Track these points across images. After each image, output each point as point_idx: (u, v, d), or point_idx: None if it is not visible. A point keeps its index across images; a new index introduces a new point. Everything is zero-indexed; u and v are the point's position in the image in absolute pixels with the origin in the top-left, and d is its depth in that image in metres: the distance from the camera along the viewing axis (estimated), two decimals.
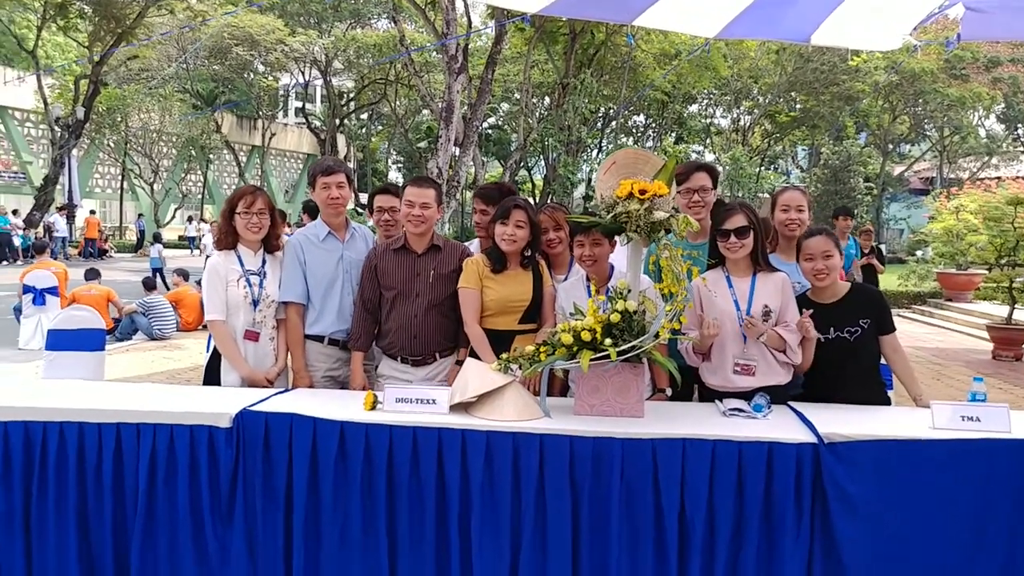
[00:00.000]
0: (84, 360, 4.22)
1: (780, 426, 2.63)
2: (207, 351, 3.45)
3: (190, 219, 30.36)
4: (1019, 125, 32.03)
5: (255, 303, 3.33)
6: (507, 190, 3.57)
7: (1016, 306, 9.37)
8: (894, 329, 3.06)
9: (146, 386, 3.67)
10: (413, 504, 2.60)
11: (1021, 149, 34.01)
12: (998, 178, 21.51)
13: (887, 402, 3.07)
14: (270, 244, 3.45)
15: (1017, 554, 2.41)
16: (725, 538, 2.49)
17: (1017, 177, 20.99)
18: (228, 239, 3.38)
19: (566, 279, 3.34)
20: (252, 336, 3.33)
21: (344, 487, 2.62)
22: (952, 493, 2.42)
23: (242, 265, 3.35)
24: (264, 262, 3.41)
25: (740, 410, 2.77)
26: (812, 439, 2.49)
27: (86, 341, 4.33)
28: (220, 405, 2.74)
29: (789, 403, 2.91)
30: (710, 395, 3.03)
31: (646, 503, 2.51)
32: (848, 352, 2.98)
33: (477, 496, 2.55)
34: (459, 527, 2.59)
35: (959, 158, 33.10)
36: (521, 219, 3.14)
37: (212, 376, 3.35)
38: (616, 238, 2.97)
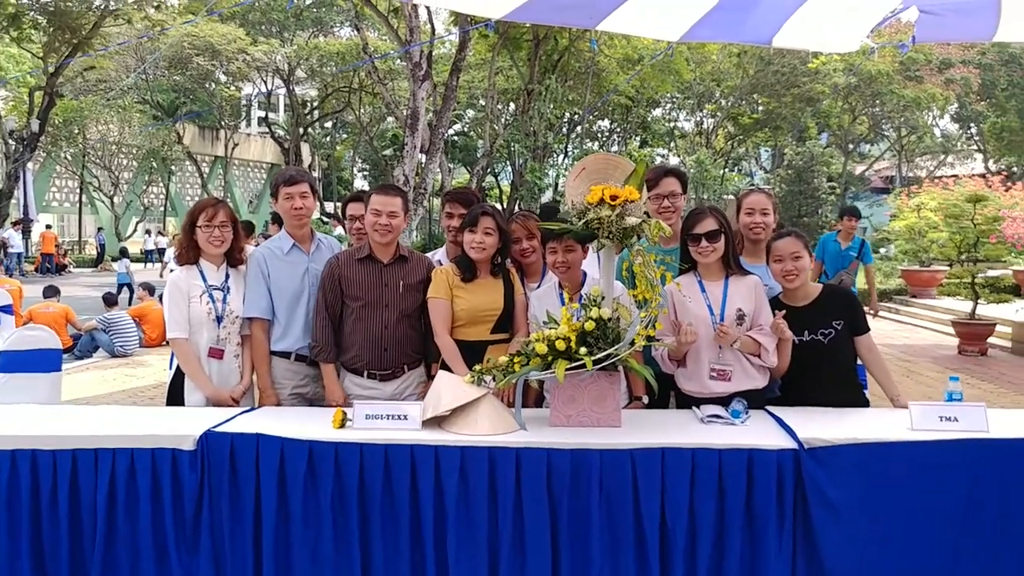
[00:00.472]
0: (39, 382, 4.03)
1: (759, 432, 2.60)
2: (171, 368, 3.33)
3: (148, 232, 29.76)
4: (972, 124, 32.96)
5: (219, 319, 3.22)
6: (473, 196, 3.52)
7: (979, 301, 9.55)
8: (868, 329, 3.06)
9: (105, 408, 3.54)
10: (387, 524, 2.52)
11: (975, 148, 35.02)
12: (955, 176, 22.06)
13: (865, 403, 3.06)
14: (233, 258, 3.33)
15: (1001, 554, 2.41)
16: (707, 547, 2.45)
17: (973, 175, 21.57)
18: (190, 253, 3.26)
19: (539, 287, 3.28)
20: (216, 354, 3.21)
21: (315, 508, 2.52)
22: (933, 494, 2.41)
23: (205, 280, 3.23)
24: (227, 277, 3.29)
25: (718, 416, 2.74)
26: (792, 444, 2.47)
27: (41, 362, 4.14)
28: (183, 427, 2.63)
29: (767, 407, 2.89)
30: (687, 401, 3.00)
31: (626, 514, 2.47)
32: (823, 354, 2.97)
33: (452, 513, 2.48)
34: (435, 546, 2.51)
35: (916, 157, 33.97)
36: (489, 226, 3.08)
37: (175, 396, 3.22)
38: (588, 244, 2.93)
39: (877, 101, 29.10)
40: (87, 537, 2.54)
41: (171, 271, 4.23)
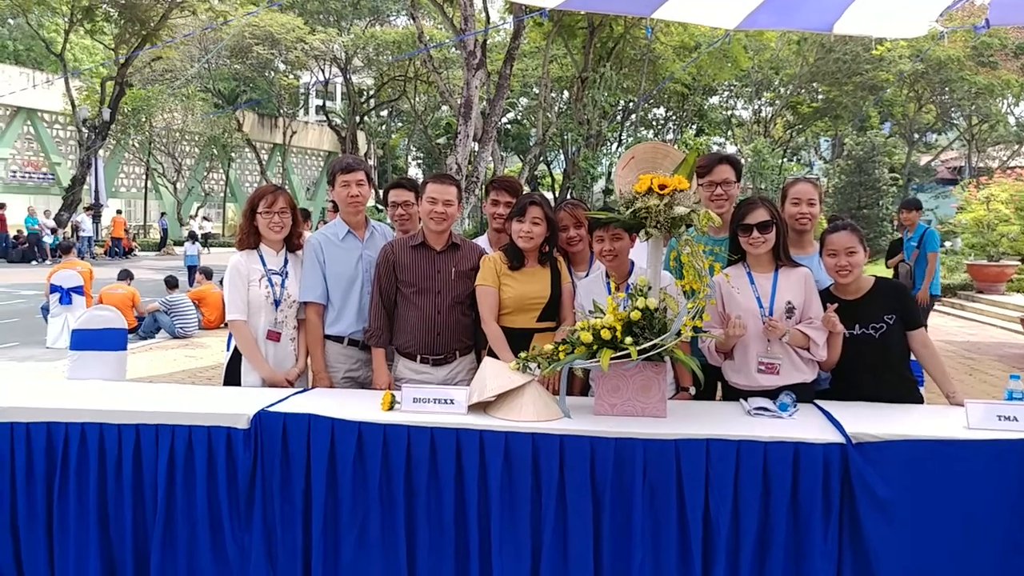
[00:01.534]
0: (107, 360, 4.24)
1: (806, 425, 2.57)
2: (228, 350, 3.45)
3: (192, 216, 30.61)
4: None
5: (277, 303, 3.32)
6: (518, 185, 3.57)
7: None
8: (922, 324, 2.97)
9: (165, 386, 3.69)
10: (432, 505, 2.58)
11: None
12: None
13: (919, 400, 2.98)
14: (292, 243, 3.43)
15: None
16: (751, 541, 2.43)
17: None
18: (250, 239, 3.36)
19: (587, 276, 3.29)
20: (274, 336, 3.32)
21: (363, 488, 2.60)
22: (988, 496, 2.34)
23: (264, 265, 3.33)
24: (286, 262, 3.39)
25: (765, 409, 2.71)
26: (840, 439, 2.43)
27: (109, 341, 4.35)
28: (238, 406, 2.73)
29: (816, 401, 2.84)
30: (734, 394, 2.97)
31: (669, 505, 2.46)
32: (874, 348, 2.90)
33: (496, 497, 2.52)
34: (479, 529, 2.56)
35: (988, 147, 32.42)
36: (537, 216, 3.10)
37: (232, 376, 3.34)
38: (636, 234, 2.92)
39: (946, 88, 27.88)
40: (148, 508, 2.67)
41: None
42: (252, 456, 2.64)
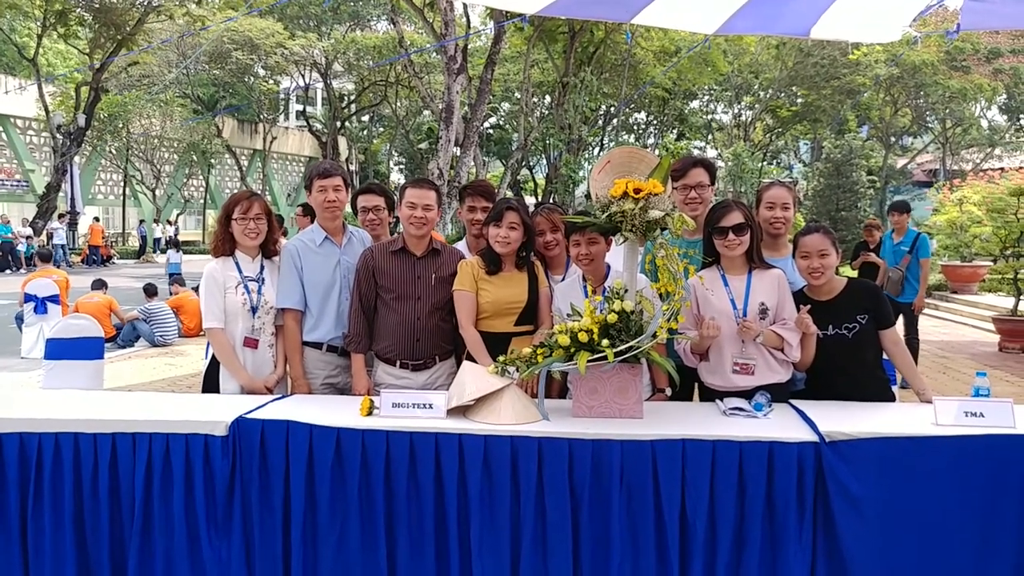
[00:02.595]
0: (83, 369, 4.21)
1: (781, 425, 2.60)
2: (206, 358, 3.44)
3: (156, 221, 30.28)
4: (1021, 116, 31.92)
5: (254, 310, 3.31)
6: (492, 190, 3.60)
7: (1022, 297, 9.30)
8: (893, 323, 3.03)
9: (142, 395, 3.67)
10: (411, 510, 2.58)
11: None
12: (1001, 169, 21.39)
13: (891, 398, 3.03)
14: (268, 250, 3.42)
15: None
16: (727, 539, 2.46)
17: (1021, 168, 20.88)
18: (225, 245, 3.35)
19: (563, 280, 3.31)
20: (251, 343, 3.31)
21: (341, 494, 2.60)
22: (957, 491, 2.39)
23: (240, 272, 3.32)
24: (262, 268, 3.38)
25: (741, 409, 2.74)
26: (813, 437, 2.47)
27: (85, 350, 4.32)
28: (216, 413, 2.72)
29: (790, 401, 2.88)
30: (710, 394, 3.01)
31: (646, 505, 2.49)
32: (848, 349, 2.95)
33: (476, 501, 2.53)
34: (458, 532, 2.56)
35: (962, 150, 33.00)
36: (514, 221, 3.12)
37: (211, 384, 3.32)
38: (612, 237, 2.95)
39: (921, 92, 28.40)
40: (126, 517, 2.65)
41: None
42: (230, 463, 2.63)
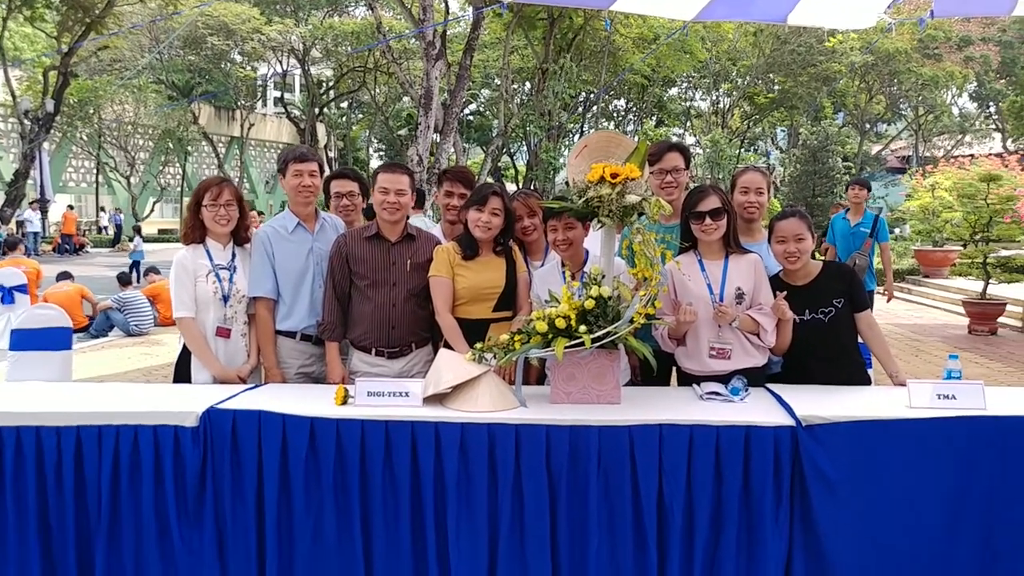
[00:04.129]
0: (50, 360, 4.10)
1: (757, 409, 2.61)
2: (180, 347, 3.37)
3: (102, 209, 29.31)
4: (991, 103, 32.39)
5: (225, 298, 3.24)
6: (472, 175, 3.54)
7: (990, 281, 9.46)
8: (868, 306, 3.05)
9: (111, 386, 3.58)
10: (387, 500, 2.55)
11: (993, 127, 34.42)
12: (971, 155, 21.72)
13: (867, 381, 3.05)
14: (240, 237, 3.35)
15: (995, 530, 2.41)
16: (704, 523, 2.46)
17: (990, 154, 21.22)
18: (195, 233, 3.28)
19: (543, 266, 3.29)
20: (223, 333, 3.24)
21: (316, 484, 2.56)
22: (930, 472, 2.41)
23: (211, 259, 3.25)
24: (234, 256, 3.31)
25: (717, 394, 2.74)
26: (790, 421, 2.47)
27: (52, 340, 4.20)
28: (186, 404, 2.66)
29: (767, 385, 2.89)
30: (688, 379, 3.01)
31: (624, 490, 2.48)
32: (824, 333, 2.96)
33: (453, 489, 2.51)
34: (435, 521, 2.54)
35: (934, 136, 33.50)
36: (497, 207, 3.08)
37: (182, 374, 3.25)
38: (589, 222, 2.93)
39: (894, 80, 28.71)
40: (92, 513, 2.58)
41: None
42: (201, 454, 2.58)
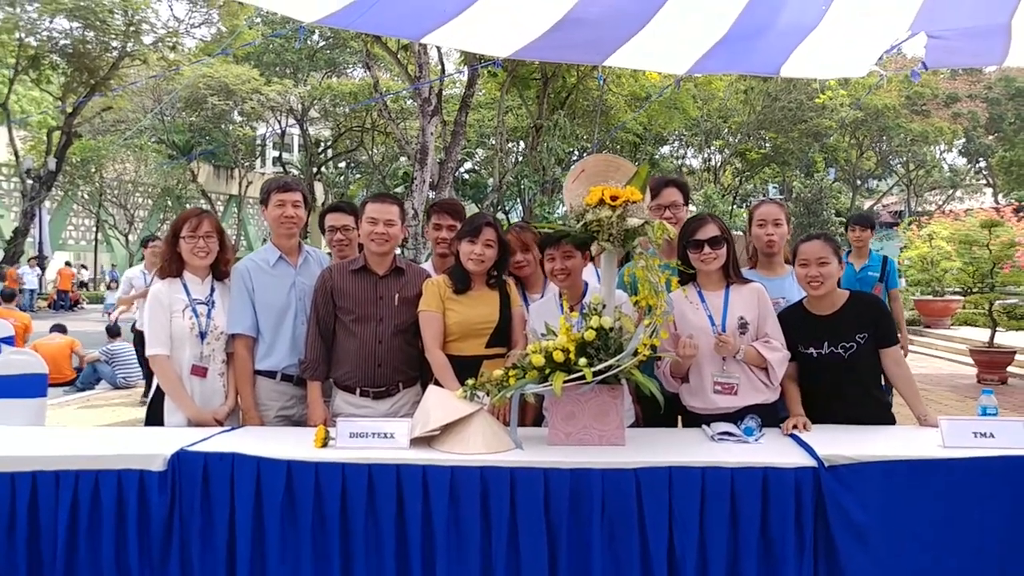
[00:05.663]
0: (22, 407, 3.88)
1: (775, 449, 2.41)
2: (152, 389, 3.16)
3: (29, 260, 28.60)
4: (980, 159, 32.88)
5: (202, 335, 3.05)
6: (461, 208, 3.41)
7: (997, 329, 9.30)
8: (896, 342, 2.83)
9: (75, 430, 3.37)
10: (370, 549, 2.32)
11: (984, 182, 34.88)
12: (966, 210, 21.87)
13: (891, 421, 2.84)
14: (219, 271, 3.18)
15: None
16: (719, 574, 2.23)
17: (983, 207, 21.38)
18: (172, 266, 3.11)
19: (542, 298, 3.12)
20: (199, 372, 3.04)
21: (293, 532, 2.34)
22: (967, 516, 2.20)
23: (188, 294, 3.08)
24: (213, 290, 3.14)
25: (729, 434, 2.54)
26: (811, 462, 2.27)
27: (25, 387, 4.00)
28: (154, 446, 2.46)
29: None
30: (695, 420, 2.80)
31: (631, 540, 2.27)
32: (843, 369, 2.76)
33: (442, 538, 2.29)
34: (423, 573, 2.30)
35: (925, 191, 33.86)
36: (491, 238, 2.93)
37: (154, 417, 3.04)
38: (588, 251, 2.78)
39: (884, 136, 29.16)
40: (46, 564, 2.36)
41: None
42: (168, 500, 2.37)
